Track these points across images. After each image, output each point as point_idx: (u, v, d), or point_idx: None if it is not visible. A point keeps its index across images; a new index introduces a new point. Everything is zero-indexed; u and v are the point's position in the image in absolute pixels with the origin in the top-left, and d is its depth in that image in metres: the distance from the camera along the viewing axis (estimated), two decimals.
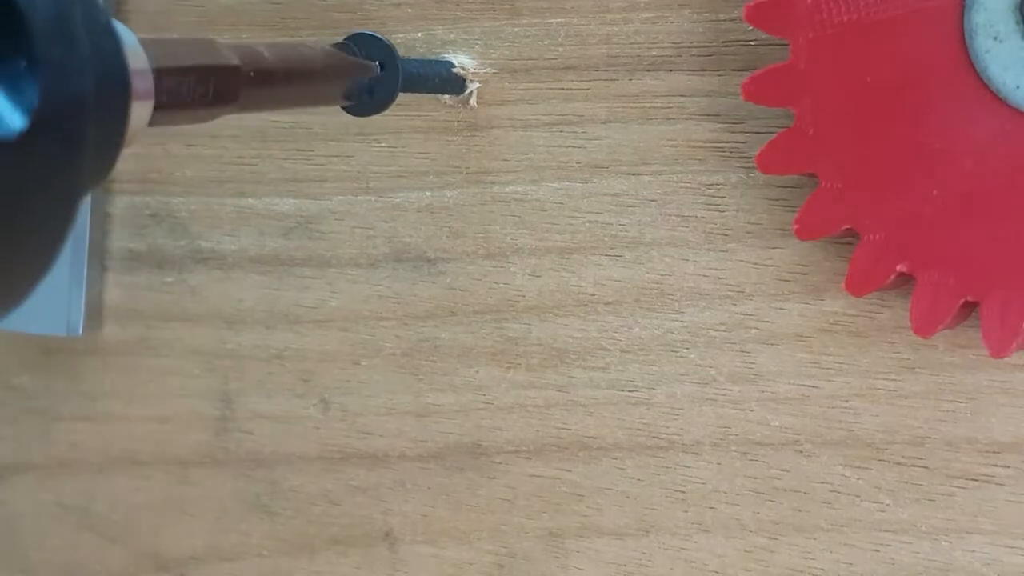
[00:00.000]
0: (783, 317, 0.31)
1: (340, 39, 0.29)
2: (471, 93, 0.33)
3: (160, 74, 0.22)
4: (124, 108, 0.21)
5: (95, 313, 0.38)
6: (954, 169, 0.27)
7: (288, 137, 0.36)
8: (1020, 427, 0.29)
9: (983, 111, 0.27)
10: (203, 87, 0.24)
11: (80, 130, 0.20)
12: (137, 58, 0.22)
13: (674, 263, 0.32)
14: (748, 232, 0.31)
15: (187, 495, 0.38)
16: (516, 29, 0.33)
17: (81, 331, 0.38)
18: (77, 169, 0.20)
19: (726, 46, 0.31)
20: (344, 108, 0.29)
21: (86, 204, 0.37)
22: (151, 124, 0.22)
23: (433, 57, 0.33)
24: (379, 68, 0.29)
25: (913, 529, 0.30)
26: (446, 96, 0.33)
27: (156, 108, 0.22)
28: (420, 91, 0.32)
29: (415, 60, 0.32)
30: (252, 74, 0.25)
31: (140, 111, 0.22)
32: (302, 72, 0.27)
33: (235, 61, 0.25)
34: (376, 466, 0.36)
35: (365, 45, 0.29)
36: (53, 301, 0.37)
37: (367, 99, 0.29)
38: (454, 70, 0.33)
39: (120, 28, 0.22)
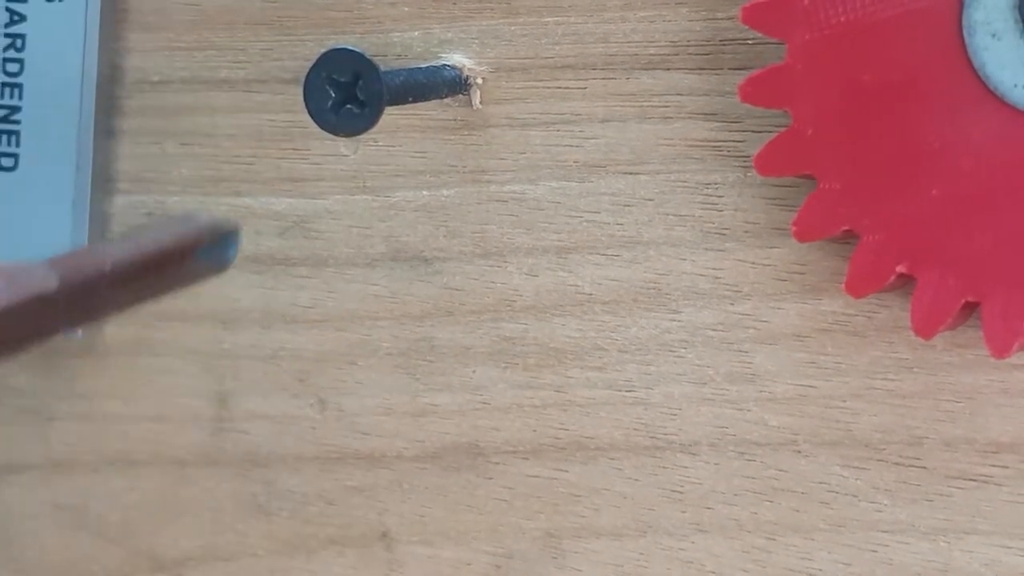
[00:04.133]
0: (781, 317, 0.31)
1: (190, 218, 0.26)
2: (474, 92, 0.33)
3: None
4: None
5: None
6: (953, 169, 0.27)
7: (284, 136, 0.36)
8: (1019, 427, 0.29)
9: (981, 110, 0.27)
10: (14, 325, 0.20)
11: None
12: None
13: (671, 262, 0.32)
14: (746, 231, 0.31)
15: (183, 495, 0.38)
16: (513, 28, 0.33)
17: (80, 333, 0.37)
18: None
19: (724, 45, 0.31)
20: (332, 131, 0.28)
21: (84, 205, 0.37)
22: None
23: (432, 56, 0.33)
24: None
25: (911, 529, 0.30)
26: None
27: None
28: (412, 101, 0.31)
29: (397, 71, 0.32)
30: (77, 291, 0.21)
31: None
32: (143, 264, 0.23)
33: (53, 283, 0.21)
34: (373, 466, 0.35)
35: (344, 62, 0.29)
36: None
37: (356, 116, 0.28)
38: (449, 70, 0.33)
39: None
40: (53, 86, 0.36)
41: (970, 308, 0.28)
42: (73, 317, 0.22)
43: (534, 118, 0.33)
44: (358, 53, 0.29)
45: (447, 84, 0.33)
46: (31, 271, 0.21)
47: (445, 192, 0.34)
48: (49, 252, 0.37)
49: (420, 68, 0.33)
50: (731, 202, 0.31)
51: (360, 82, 0.29)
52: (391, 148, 0.35)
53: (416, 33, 0.34)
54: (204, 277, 0.25)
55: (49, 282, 0.21)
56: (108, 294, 0.22)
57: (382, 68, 0.29)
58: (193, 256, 0.24)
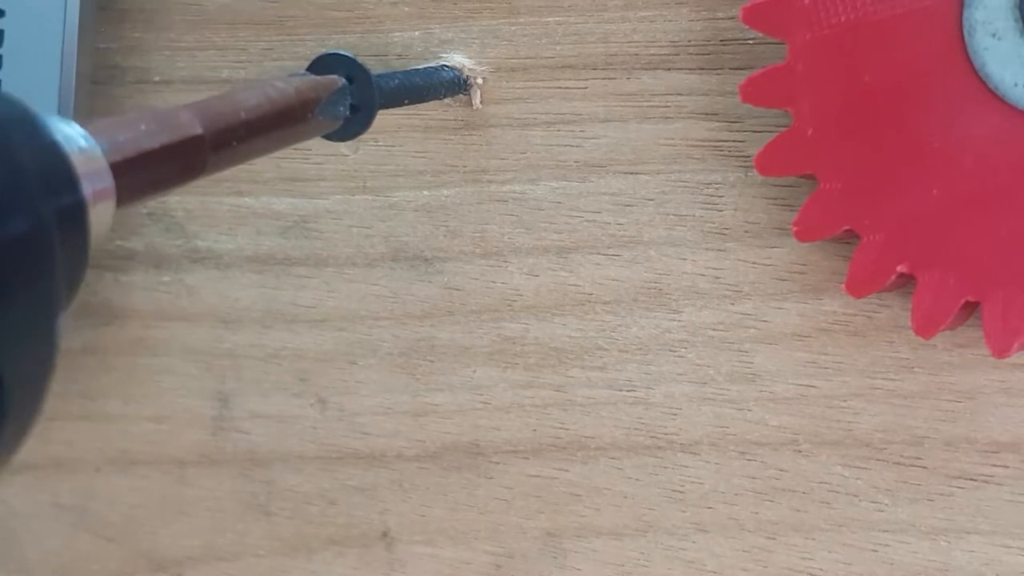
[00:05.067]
0: (781, 316, 0.31)
1: (303, 71, 0.28)
2: (475, 92, 0.33)
3: (117, 168, 0.20)
4: (83, 226, 0.19)
5: (92, 312, 0.38)
6: (953, 168, 0.27)
7: None
8: (1019, 427, 0.29)
9: (982, 109, 0.27)
10: (166, 166, 0.22)
11: (46, 272, 0.18)
12: (88, 159, 0.20)
13: (672, 262, 0.32)
14: (746, 231, 0.31)
15: (184, 495, 0.38)
16: (514, 28, 0.33)
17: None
18: (51, 305, 0.18)
19: (724, 45, 0.31)
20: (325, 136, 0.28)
21: None
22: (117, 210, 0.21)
23: (432, 56, 0.33)
24: (348, 82, 0.28)
25: (912, 529, 0.30)
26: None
27: (118, 204, 0.20)
28: (408, 104, 0.31)
29: (392, 73, 0.31)
30: (218, 137, 0.23)
31: (101, 214, 0.20)
32: (273, 116, 0.25)
33: (198, 129, 0.22)
34: (373, 466, 0.35)
35: (334, 67, 0.28)
36: None
37: (348, 121, 0.28)
38: (447, 71, 0.33)
39: (63, 128, 0.20)
40: (32, 82, 0.36)
41: (970, 308, 0.28)
42: (214, 161, 0.23)
43: (535, 118, 0.33)
44: (350, 58, 0.28)
45: (446, 85, 0.33)
46: (176, 116, 0.22)
47: (445, 192, 0.34)
48: None
49: (417, 70, 0.32)
50: (732, 202, 0.31)
51: (352, 86, 0.29)
52: (391, 148, 0.35)
53: (416, 33, 0.34)
54: (321, 131, 0.27)
55: (194, 126, 0.22)
56: (243, 140, 0.24)
57: (378, 71, 0.29)
58: (314, 111, 0.26)
